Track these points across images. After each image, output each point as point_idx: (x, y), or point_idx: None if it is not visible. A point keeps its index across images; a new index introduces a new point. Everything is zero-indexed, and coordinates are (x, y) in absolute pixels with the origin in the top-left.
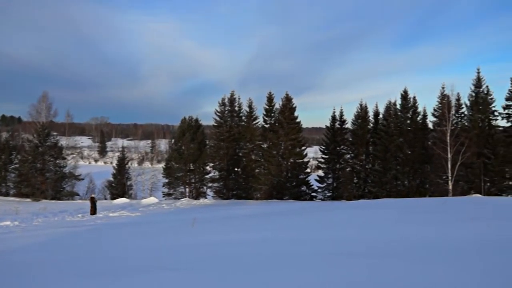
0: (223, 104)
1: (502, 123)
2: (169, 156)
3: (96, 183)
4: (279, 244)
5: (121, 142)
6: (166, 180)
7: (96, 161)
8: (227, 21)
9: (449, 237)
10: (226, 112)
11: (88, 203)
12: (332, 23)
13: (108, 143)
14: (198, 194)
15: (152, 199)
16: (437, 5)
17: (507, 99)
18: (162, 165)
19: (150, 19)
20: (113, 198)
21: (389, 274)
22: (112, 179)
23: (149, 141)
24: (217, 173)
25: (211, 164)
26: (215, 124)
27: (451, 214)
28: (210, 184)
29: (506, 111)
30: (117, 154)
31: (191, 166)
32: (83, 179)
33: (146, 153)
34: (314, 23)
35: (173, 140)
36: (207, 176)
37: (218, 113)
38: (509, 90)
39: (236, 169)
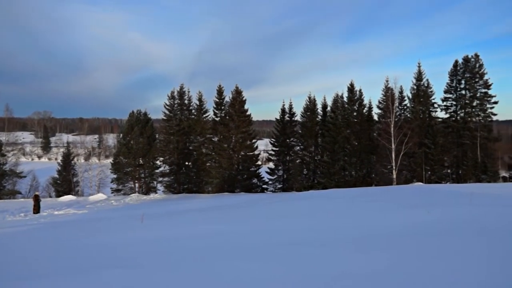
0: (172, 97)
1: (441, 114)
2: (117, 151)
3: (40, 180)
4: (230, 236)
5: (66, 137)
6: (115, 176)
7: (39, 157)
8: (175, 12)
9: (390, 224)
10: (175, 105)
11: (31, 201)
12: (281, 16)
13: (52, 139)
14: (148, 189)
15: (100, 196)
16: (381, 1)
17: (445, 92)
18: (110, 160)
19: (94, 9)
20: (58, 195)
21: (323, 262)
22: (57, 176)
23: (96, 136)
24: (167, 167)
25: (161, 159)
26: (165, 117)
27: (394, 202)
28: (160, 179)
29: (444, 103)
30: (62, 149)
31: (140, 160)
32: (25, 176)
33: (93, 148)
34: (264, 16)
35: (121, 135)
36: (157, 171)
37: (167, 107)
38: (447, 83)
39: (186, 163)
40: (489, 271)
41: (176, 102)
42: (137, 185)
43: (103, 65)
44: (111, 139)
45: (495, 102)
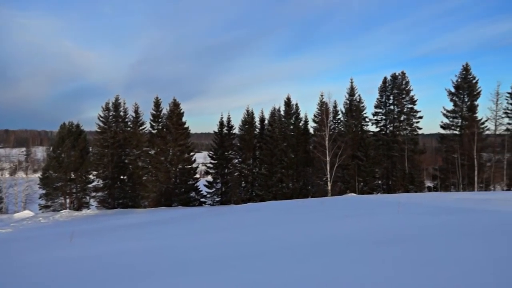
0: (107, 109)
1: (372, 128)
2: (46, 165)
3: None
4: (164, 252)
5: None
6: (43, 191)
7: None
8: (112, 21)
9: (323, 234)
10: (110, 117)
11: None
12: (220, 30)
13: None
14: (80, 205)
15: (26, 213)
16: (317, 17)
17: (375, 107)
18: (38, 175)
19: (19, 13)
20: None
21: (256, 274)
22: None
23: (24, 149)
24: (101, 181)
25: (95, 173)
26: (99, 130)
27: (327, 213)
28: (93, 194)
29: (375, 117)
30: None
31: (72, 175)
32: None
33: (19, 162)
34: (204, 29)
35: (51, 148)
36: (90, 185)
37: (101, 119)
38: (377, 99)
39: (122, 177)
40: (414, 276)
41: (111, 114)
42: (68, 200)
43: (32, 74)
44: (40, 152)
45: (420, 117)
